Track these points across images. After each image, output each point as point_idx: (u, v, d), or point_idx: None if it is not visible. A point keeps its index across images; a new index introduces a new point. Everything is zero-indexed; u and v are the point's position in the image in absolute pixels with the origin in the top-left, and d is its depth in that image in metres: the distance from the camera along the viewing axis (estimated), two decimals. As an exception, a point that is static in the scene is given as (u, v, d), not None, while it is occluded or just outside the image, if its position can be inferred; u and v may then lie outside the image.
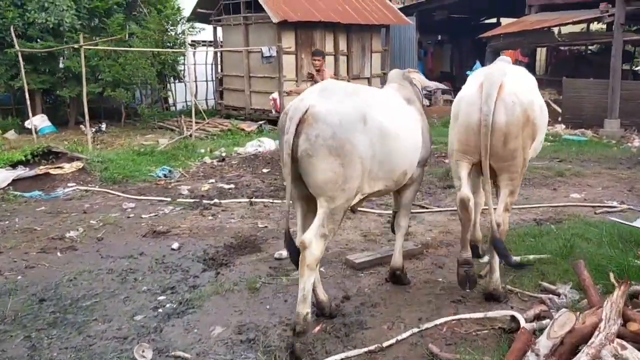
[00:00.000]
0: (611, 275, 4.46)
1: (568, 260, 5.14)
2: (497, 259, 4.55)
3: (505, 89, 4.21)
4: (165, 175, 9.02)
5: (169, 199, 7.70)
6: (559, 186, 8.21)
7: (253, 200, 7.61)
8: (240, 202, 7.59)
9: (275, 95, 13.53)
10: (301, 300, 3.81)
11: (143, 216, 7.00)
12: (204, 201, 7.56)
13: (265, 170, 9.53)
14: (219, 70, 16.59)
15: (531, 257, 5.26)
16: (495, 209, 4.51)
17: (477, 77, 4.47)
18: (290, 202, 4.02)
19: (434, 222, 6.68)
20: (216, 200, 7.55)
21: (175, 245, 5.92)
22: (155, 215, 7.04)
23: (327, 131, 3.69)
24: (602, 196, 7.64)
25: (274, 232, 6.37)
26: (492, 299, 4.58)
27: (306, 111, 3.70)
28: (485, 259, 5.05)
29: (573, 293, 4.50)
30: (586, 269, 3.96)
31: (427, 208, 7.25)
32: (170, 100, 17.39)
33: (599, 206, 7.13)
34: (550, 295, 4.55)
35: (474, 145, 4.29)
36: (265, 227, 6.55)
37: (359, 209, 6.08)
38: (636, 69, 18.71)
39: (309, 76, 9.63)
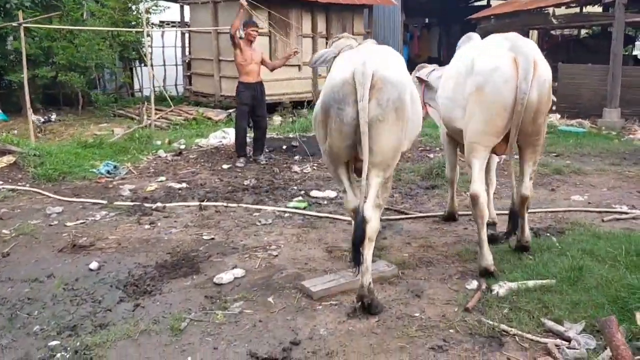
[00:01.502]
0: (638, 316, 3.47)
1: (577, 287, 4.12)
2: (526, 219, 4.76)
3: (539, 66, 4.17)
4: (109, 172, 7.86)
5: (104, 202, 6.56)
6: (557, 186, 7.17)
7: (204, 204, 6.49)
8: (188, 207, 6.47)
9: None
10: (364, 271, 3.95)
11: (68, 224, 5.86)
12: (145, 205, 6.43)
13: (225, 167, 8.39)
14: (187, 53, 15.34)
15: (530, 283, 4.21)
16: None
17: (486, 50, 4.46)
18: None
19: (413, 232, 5.61)
20: (158, 205, 6.42)
21: (94, 265, 4.80)
22: (83, 223, 5.90)
23: (394, 94, 3.86)
24: (608, 199, 6.61)
25: (221, 245, 5.27)
26: (523, 249, 4.81)
27: (373, 75, 3.77)
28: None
29: (587, 338, 3.47)
30: (619, 331, 2.89)
31: (406, 213, 6.17)
32: (137, 86, 16.11)
33: (606, 212, 6.09)
34: (558, 341, 3.51)
35: (502, 125, 4.23)
36: (212, 239, 5.45)
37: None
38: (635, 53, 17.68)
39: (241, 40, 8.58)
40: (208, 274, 4.64)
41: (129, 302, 4.18)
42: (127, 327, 3.80)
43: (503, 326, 3.69)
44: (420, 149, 9.44)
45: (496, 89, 4.18)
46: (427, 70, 6.09)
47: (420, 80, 5.99)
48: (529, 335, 3.59)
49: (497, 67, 4.22)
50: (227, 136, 9.91)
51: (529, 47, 4.30)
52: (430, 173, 7.49)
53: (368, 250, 3.98)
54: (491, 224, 5.10)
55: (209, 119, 12.29)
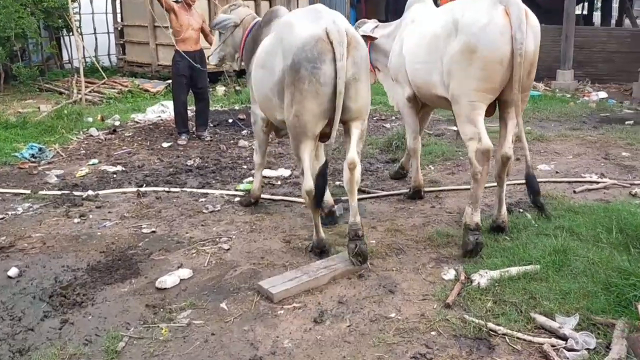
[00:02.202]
0: (640, 308, 3.09)
1: (563, 272, 3.75)
2: (504, 192, 4.49)
3: (529, 14, 3.97)
4: (33, 156, 6.99)
5: (27, 192, 5.77)
6: (522, 155, 6.79)
7: (142, 189, 5.79)
8: (125, 193, 5.76)
9: None
10: (354, 214, 4.00)
11: (-18, 221, 5.08)
12: (75, 194, 5.68)
13: (165, 145, 7.65)
14: (119, 20, 14.18)
15: (513, 270, 3.79)
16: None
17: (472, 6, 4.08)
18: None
19: (377, 213, 5.12)
20: (90, 193, 5.68)
21: (13, 271, 4.09)
22: (2, 219, 5.12)
23: (364, 52, 3.98)
24: (575, 167, 6.31)
25: (164, 240, 4.63)
26: (499, 230, 4.46)
27: (347, 34, 3.75)
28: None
29: (585, 336, 3.08)
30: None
31: (368, 192, 5.67)
32: (65, 57, 14.86)
33: (577, 182, 5.78)
34: (554, 341, 3.11)
35: (500, 81, 4.00)
36: (153, 232, 4.80)
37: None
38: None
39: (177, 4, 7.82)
40: (149, 277, 4.02)
41: (55, 318, 3.53)
42: (53, 351, 3.16)
43: (490, 325, 3.26)
44: (375, 118, 8.93)
45: (492, 44, 3.91)
46: (370, 26, 5.56)
47: (369, 38, 5.41)
48: (520, 335, 3.17)
49: (490, 20, 3.93)
50: (166, 110, 9.13)
51: None
52: (390, 145, 7.00)
53: (355, 197, 4.04)
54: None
55: (146, 91, 11.39)
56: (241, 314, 3.51)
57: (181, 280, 3.94)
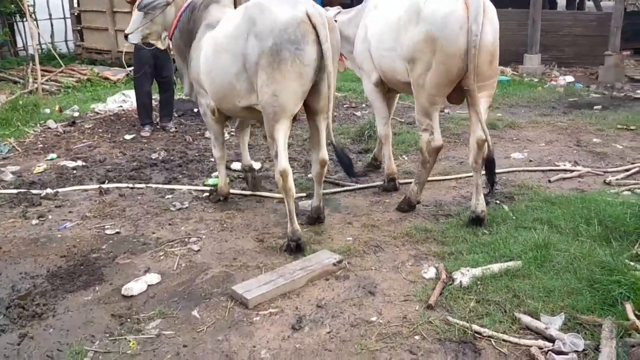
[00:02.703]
0: (628, 308, 3.03)
1: (545, 268, 3.67)
2: (481, 179, 4.42)
3: (488, 6, 4.03)
4: (-14, 151, 6.61)
5: (-20, 191, 5.42)
6: (494, 142, 6.73)
7: (105, 186, 5.50)
8: (86, 191, 5.47)
9: None
10: (319, 199, 4.52)
11: None
12: (32, 192, 5.36)
13: (128, 137, 7.32)
14: (75, 4, 13.59)
15: (495, 267, 3.69)
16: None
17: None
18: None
19: (352, 208, 4.96)
20: (49, 191, 5.37)
21: (-35, 282, 3.81)
22: (-48, 223, 4.79)
23: (338, 36, 4.13)
24: (548, 155, 6.27)
25: (129, 241, 4.39)
26: (478, 222, 4.37)
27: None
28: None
29: (573, 337, 2.99)
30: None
31: (342, 185, 5.51)
32: (20, 44, 14.20)
33: (551, 170, 5.73)
34: (541, 343, 3.02)
35: (457, 73, 4.05)
36: (117, 233, 4.54)
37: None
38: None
39: None
40: (114, 283, 3.78)
41: (12, 332, 3.27)
42: (10, 372, 2.92)
43: (475, 326, 3.15)
44: (345, 106, 8.75)
45: (451, 36, 3.97)
46: (332, 13, 5.41)
47: None
48: (505, 337, 3.07)
49: (452, 11, 3.97)
50: (128, 99, 8.76)
51: None
52: (362, 135, 6.84)
53: (321, 185, 4.43)
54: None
55: (106, 79, 10.96)
56: (214, 322, 3.32)
57: (149, 286, 3.72)
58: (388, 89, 5.09)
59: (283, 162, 3.98)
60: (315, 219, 4.56)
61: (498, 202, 4.92)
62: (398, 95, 5.54)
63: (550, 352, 2.93)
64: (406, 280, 3.73)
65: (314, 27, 3.75)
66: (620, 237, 3.98)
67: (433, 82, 4.17)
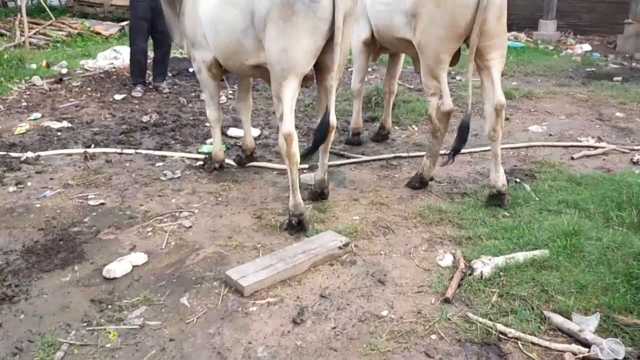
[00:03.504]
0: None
1: (576, 259, 3.29)
2: (500, 149, 4.04)
3: None
4: (-35, 109, 6.15)
5: (-46, 153, 5.00)
6: (511, 114, 6.31)
7: (91, 150, 5.08)
8: (70, 155, 5.05)
9: None
10: (324, 171, 4.11)
11: None
12: (12, 155, 4.94)
13: (118, 97, 6.85)
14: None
15: (520, 256, 3.32)
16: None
17: None
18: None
19: (359, 182, 4.56)
20: (30, 155, 4.94)
21: None
22: None
23: None
24: (569, 129, 5.84)
25: (114, 213, 4.00)
26: (499, 200, 4.03)
27: None
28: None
29: (612, 343, 2.63)
30: None
31: (348, 157, 5.09)
32: (9, -6, 13.55)
33: (573, 146, 5.32)
34: (575, 348, 2.66)
35: (465, 26, 3.73)
36: (101, 204, 4.14)
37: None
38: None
39: None
40: (95, 262, 3.40)
41: (-23, 319, 2.91)
42: (-28, 365, 2.56)
43: (499, 326, 2.78)
44: (350, 69, 8.23)
45: None
46: None
47: None
48: (534, 339, 2.71)
49: None
50: (119, 56, 8.25)
51: None
52: (369, 101, 6.38)
53: (327, 155, 4.08)
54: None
55: (98, 34, 10.41)
56: (205, 312, 2.95)
57: (134, 267, 3.34)
58: (379, 47, 4.87)
59: (289, 124, 3.58)
60: (319, 193, 4.18)
61: (518, 180, 4.53)
62: (403, 55, 5.24)
63: (586, 359, 2.58)
64: (420, 268, 3.35)
65: None
66: (654, 223, 3.61)
67: (439, 37, 3.84)
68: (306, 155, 3.84)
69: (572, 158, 5.00)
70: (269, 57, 3.54)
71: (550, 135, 5.65)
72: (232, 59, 3.99)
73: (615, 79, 8.06)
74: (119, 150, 5.10)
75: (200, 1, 4.05)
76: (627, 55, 9.67)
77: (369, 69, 8.26)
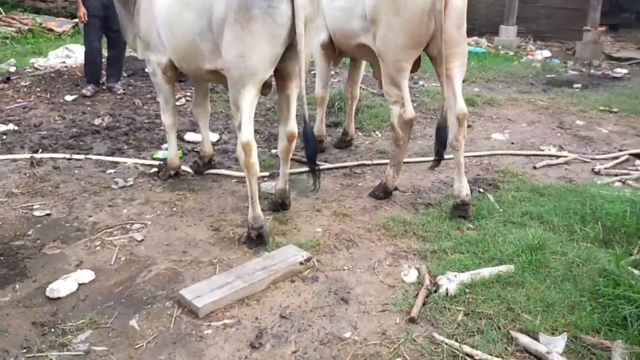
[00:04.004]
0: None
1: (541, 275, 3.23)
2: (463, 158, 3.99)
3: None
4: None
5: None
6: (473, 121, 6.27)
7: (37, 156, 4.79)
8: (15, 161, 4.75)
9: None
10: (285, 181, 3.94)
11: None
12: (-50, 161, 4.62)
13: (69, 98, 6.53)
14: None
15: (485, 272, 3.23)
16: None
17: None
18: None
19: (321, 190, 4.36)
20: (-31, 161, 4.64)
21: None
22: None
23: None
24: (531, 137, 5.83)
25: (60, 225, 3.75)
26: (463, 211, 3.93)
27: None
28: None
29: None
30: None
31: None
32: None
33: (535, 155, 5.30)
34: (544, 372, 2.58)
35: (426, 34, 3.64)
36: (47, 215, 3.89)
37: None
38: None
39: None
40: (39, 280, 3.17)
41: None
42: None
43: (466, 347, 2.68)
44: (312, 72, 8.08)
45: None
46: None
47: None
48: (500, 361, 2.62)
49: None
50: (72, 55, 7.91)
51: None
52: (332, 106, 6.25)
53: (288, 164, 3.90)
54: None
55: (50, 30, 9.98)
56: (156, 336, 2.76)
57: (80, 285, 3.13)
58: (338, 52, 4.74)
59: (247, 133, 3.41)
60: (279, 204, 4.02)
61: (482, 190, 4.46)
62: (364, 62, 5.14)
63: (553, 381, 2.50)
64: (384, 284, 3.23)
65: None
66: (619, 239, 3.58)
67: (399, 45, 3.74)
68: (312, 174, 3.73)
69: (535, 167, 4.98)
70: (226, 63, 3.37)
71: (513, 143, 5.63)
72: (188, 62, 3.81)
73: (575, 85, 8.15)
74: (67, 156, 4.83)
75: (156, 1, 3.85)
76: (585, 62, 9.81)
77: (332, 72, 8.14)
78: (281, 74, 3.59)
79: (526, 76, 8.61)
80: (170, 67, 4.07)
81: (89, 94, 6.55)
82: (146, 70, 7.31)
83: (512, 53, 10.25)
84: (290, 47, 3.35)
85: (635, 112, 6.76)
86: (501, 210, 4.06)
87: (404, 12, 3.61)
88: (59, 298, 3.01)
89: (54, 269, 3.27)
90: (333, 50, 4.76)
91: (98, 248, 3.51)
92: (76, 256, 3.41)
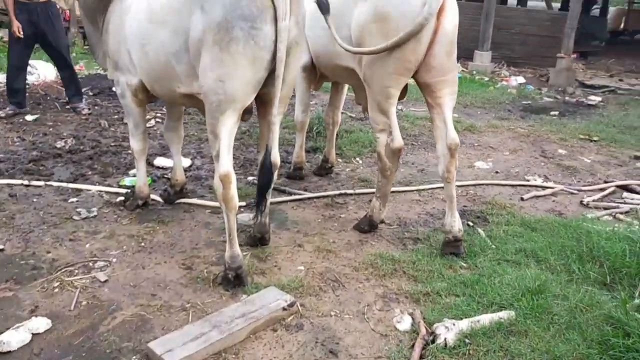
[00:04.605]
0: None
1: (544, 323, 2.99)
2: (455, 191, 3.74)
3: None
4: None
5: None
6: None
7: (-9, 182, 4.38)
8: (-35, 187, 4.33)
9: None
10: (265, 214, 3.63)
11: None
12: None
13: (30, 118, 6.11)
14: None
15: (485, 319, 2.98)
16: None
17: None
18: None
19: (302, 222, 4.13)
20: None
21: None
22: None
23: (304, 11, 3.30)
24: (514, 166, 5.67)
25: (14, 263, 3.37)
26: (455, 247, 3.69)
27: None
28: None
29: None
30: None
31: (290, 194, 4.65)
32: None
33: (521, 186, 5.12)
34: None
35: (415, 60, 3.43)
36: (0, 251, 3.49)
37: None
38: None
39: None
40: (-15, 328, 2.78)
41: None
42: None
43: (468, 410, 2.41)
44: (292, 96, 7.85)
45: (408, 12, 3.32)
46: None
47: None
48: None
49: None
50: (34, 71, 7.47)
51: None
52: (310, 130, 5.98)
53: (269, 195, 3.53)
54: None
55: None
56: (121, 398, 2.41)
57: (34, 336, 2.75)
58: (320, 75, 4.53)
59: (226, 164, 3.11)
60: (258, 238, 3.70)
61: (471, 223, 4.24)
62: (346, 86, 4.95)
63: None
64: (375, 333, 2.94)
65: (273, 1, 2.94)
66: (620, 280, 3.39)
67: (388, 72, 3.52)
68: (257, 207, 3.42)
69: (522, 199, 4.79)
70: (204, 87, 3.07)
71: (497, 172, 5.46)
72: (161, 84, 3.51)
73: (552, 113, 8.10)
74: (26, 182, 4.43)
75: (127, 17, 3.54)
76: (559, 89, 9.82)
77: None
78: (263, 99, 3.32)
79: (503, 102, 8.54)
80: (141, 89, 3.76)
81: (2, 114, 6.04)
82: (114, 90, 6.98)
83: (486, 78, 10.22)
84: (274, 71, 3.09)
85: (614, 141, 6.71)
86: (494, 246, 3.83)
87: (393, 36, 3.37)
88: (9, 352, 2.63)
89: (5, 315, 2.89)
90: (315, 73, 4.54)
91: (56, 290, 3.13)
92: (31, 300, 3.03)
